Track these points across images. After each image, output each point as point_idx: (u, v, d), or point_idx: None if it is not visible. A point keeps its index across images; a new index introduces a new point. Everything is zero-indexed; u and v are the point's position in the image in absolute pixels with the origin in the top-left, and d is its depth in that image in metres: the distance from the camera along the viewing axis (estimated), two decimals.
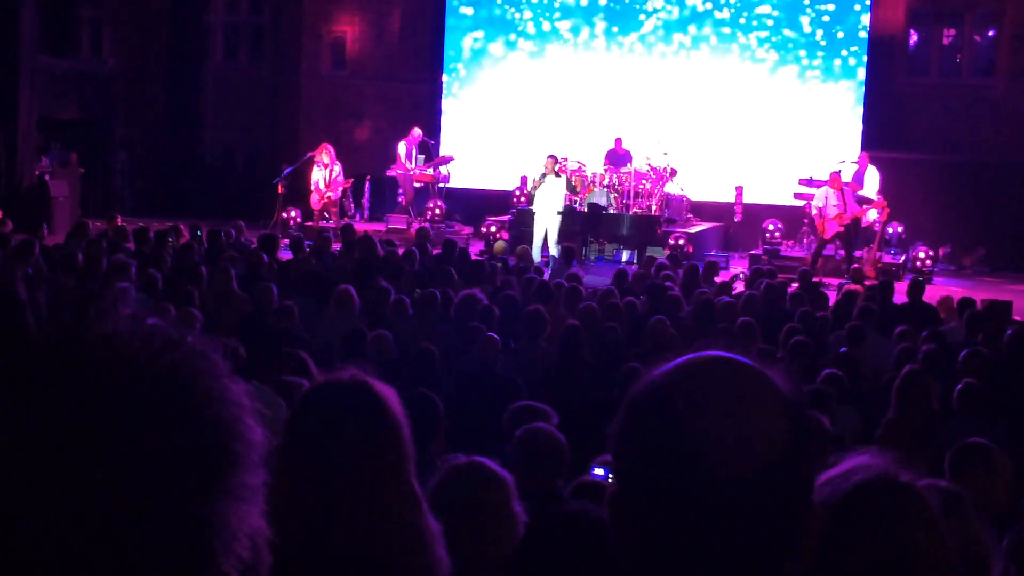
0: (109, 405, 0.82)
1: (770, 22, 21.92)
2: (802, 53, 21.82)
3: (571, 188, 17.63)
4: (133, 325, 0.88)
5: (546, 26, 22.90)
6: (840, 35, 21.66)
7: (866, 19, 21.56)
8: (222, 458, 0.87)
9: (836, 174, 17.54)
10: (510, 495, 3.33)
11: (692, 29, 22.22)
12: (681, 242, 17.96)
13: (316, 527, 2.15)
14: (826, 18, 21.72)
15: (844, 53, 21.65)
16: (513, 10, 23.04)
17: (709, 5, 22.11)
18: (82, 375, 0.83)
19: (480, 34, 23.28)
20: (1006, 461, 4.83)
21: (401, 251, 13.21)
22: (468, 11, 23.34)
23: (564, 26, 22.83)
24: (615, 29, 22.57)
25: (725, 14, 22.06)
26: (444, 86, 23.44)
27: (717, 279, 13.23)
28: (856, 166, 18.88)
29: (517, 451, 4.62)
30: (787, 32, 21.87)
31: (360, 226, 17.87)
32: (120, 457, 0.82)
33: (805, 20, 21.81)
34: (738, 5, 21.98)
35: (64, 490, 0.80)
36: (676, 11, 22.28)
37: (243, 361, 5.93)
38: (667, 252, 16.26)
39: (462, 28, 23.37)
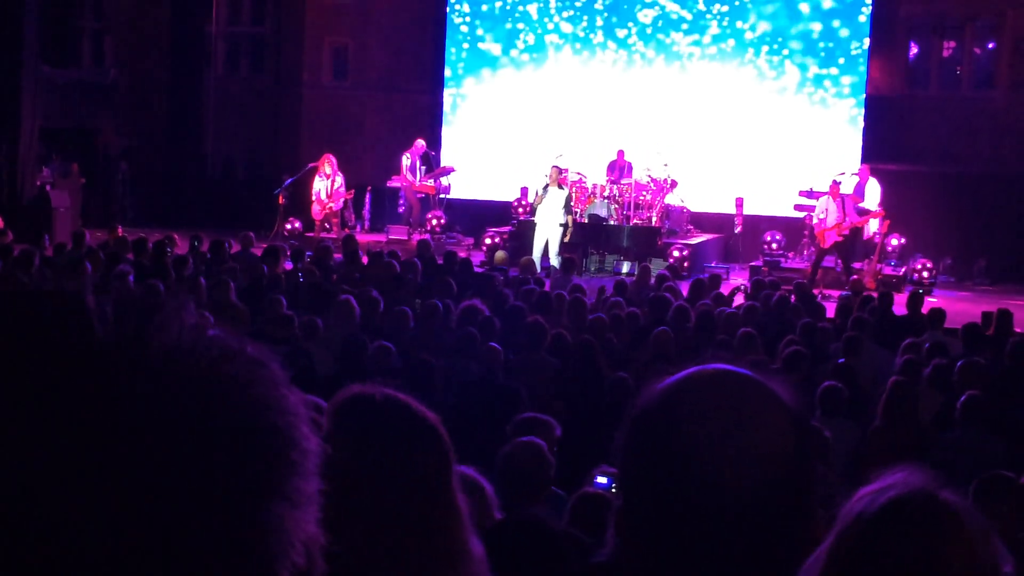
0: (171, 411, 0.84)
1: (770, 34, 21.97)
2: (802, 64, 21.86)
3: (567, 207, 17.45)
4: (195, 334, 0.90)
5: (547, 38, 22.96)
6: (840, 46, 21.70)
7: (866, 31, 21.61)
8: (280, 464, 0.89)
9: (836, 184, 17.58)
10: (489, 503, 3.32)
11: (693, 42, 22.27)
12: (684, 253, 17.98)
13: (356, 544, 2.04)
14: (827, 26, 21.77)
15: (844, 65, 21.69)
16: (516, 22, 23.09)
17: (711, 16, 22.16)
18: (145, 381, 0.85)
19: (482, 46, 23.34)
20: None
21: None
22: (470, 23, 23.40)
23: (565, 38, 22.88)
24: (616, 41, 22.62)
25: (726, 27, 22.11)
26: (445, 97, 23.50)
27: (721, 290, 13.22)
28: (857, 178, 18.92)
29: (500, 466, 4.62)
30: (787, 44, 21.91)
31: (361, 237, 17.88)
32: (181, 461, 0.83)
33: (805, 32, 21.85)
34: (739, 18, 22.04)
35: (125, 492, 0.81)
36: (677, 24, 22.34)
37: None
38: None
39: (464, 40, 23.43)
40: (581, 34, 22.79)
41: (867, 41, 21.61)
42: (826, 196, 17.55)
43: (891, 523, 1.38)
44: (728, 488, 1.23)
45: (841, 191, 17.55)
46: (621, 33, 22.61)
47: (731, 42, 22.11)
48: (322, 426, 1.00)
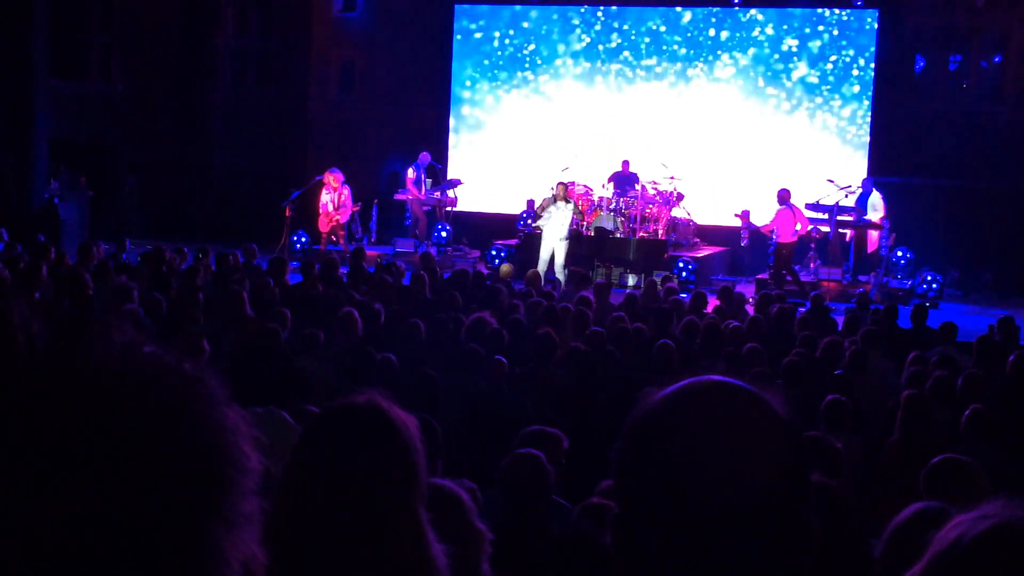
0: (98, 432, 0.82)
1: (776, 47, 22.00)
2: (808, 77, 21.88)
3: (578, 212, 17.63)
4: (126, 351, 0.87)
5: (554, 52, 23.00)
6: (847, 60, 21.72)
7: (872, 44, 21.62)
8: (215, 484, 0.87)
9: (786, 192, 17.74)
10: (468, 512, 3.34)
11: (699, 55, 22.31)
12: (691, 267, 17.98)
13: (318, 553, 2.13)
14: (833, 39, 21.79)
15: (850, 76, 21.70)
16: (522, 36, 23.15)
17: (717, 30, 22.20)
18: (71, 402, 0.82)
19: (488, 59, 23.38)
20: (984, 477, 4.79)
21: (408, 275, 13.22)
22: (476, 36, 23.45)
23: (572, 51, 22.93)
24: (622, 55, 22.66)
25: (732, 40, 22.14)
26: (451, 110, 23.54)
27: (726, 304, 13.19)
28: (860, 190, 18.93)
29: (502, 479, 4.64)
30: (794, 57, 21.93)
31: (368, 250, 17.90)
32: (108, 483, 0.81)
33: (812, 45, 21.87)
34: (745, 31, 22.07)
35: (49, 517, 0.79)
36: (684, 38, 22.37)
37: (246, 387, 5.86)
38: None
39: (471, 53, 23.48)
40: (588, 48, 22.83)
41: (874, 54, 21.62)
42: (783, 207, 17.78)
43: (991, 551, 1.37)
44: (721, 498, 1.24)
45: (787, 199, 17.76)
46: (628, 48, 22.64)
47: (737, 55, 22.13)
48: (264, 443, 0.96)
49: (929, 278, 18.19)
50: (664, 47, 22.46)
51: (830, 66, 21.80)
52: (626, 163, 20.19)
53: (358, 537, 2.13)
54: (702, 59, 22.29)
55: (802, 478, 1.30)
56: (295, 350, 8.59)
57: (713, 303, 13.15)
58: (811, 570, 1.30)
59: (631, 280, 18.08)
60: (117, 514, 0.81)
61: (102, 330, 0.88)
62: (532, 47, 23.10)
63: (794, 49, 21.92)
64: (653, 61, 22.51)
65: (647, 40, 22.52)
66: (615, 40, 22.67)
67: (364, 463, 2.17)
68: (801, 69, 21.92)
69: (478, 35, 23.44)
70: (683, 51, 22.37)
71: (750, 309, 13.21)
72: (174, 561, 0.83)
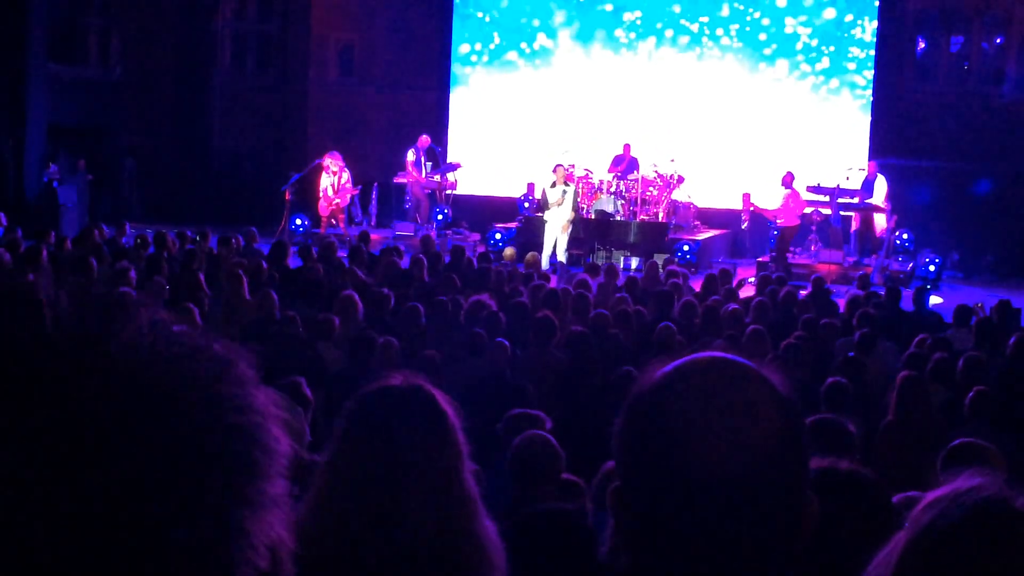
0: (127, 410, 0.82)
1: (777, 28, 21.93)
2: (810, 59, 21.83)
3: (574, 203, 17.52)
4: (156, 330, 0.87)
5: (554, 32, 22.93)
6: (848, 41, 21.66)
7: (873, 26, 21.57)
8: (242, 466, 0.87)
9: (790, 175, 17.76)
10: None
11: (700, 37, 22.24)
12: (692, 249, 17.98)
13: (373, 530, 2.19)
14: (835, 21, 21.73)
15: (852, 60, 21.65)
16: (522, 16, 23.07)
17: (718, 11, 22.13)
18: (100, 379, 0.82)
19: (487, 41, 23.31)
20: (1001, 461, 4.77)
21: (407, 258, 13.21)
22: (476, 18, 23.38)
23: (571, 32, 22.86)
24: (623, 36, 22.59)
25: (733, 21, 22.07)
26: (450, 93, 23.48)
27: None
28: (864, 173, 18.92)
29: (513, 461, 4.65)
30: (795, 38, 21.87)
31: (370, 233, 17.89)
32: (135, 463, 0.81)
33: (813, 27, 21.81)
34: (746, 12, 22.00)
35: (78, 496, 0.79)
36: (685, 19, 22.30)
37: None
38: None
39: (470, 36, 23.42)
40: (587, 29, 22.75)
41: (875, 36, 21.56)
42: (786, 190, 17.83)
43: (969, 533, 1.37)
44: (717, 470, 1.26)
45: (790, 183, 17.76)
46: (628, 28, 22.56)
47: (738, 37, 22.07)
48: (296, 429, 0.95)
49: (928, 260, 18.18)
50: (664, 28, 22.36)
51: (831, 47, 21.70)
52: (627, 146, 20.15)
53: (418, 515, 2.20)
54: (702, 40, 22.20)
55: (800, 453, 1.32)
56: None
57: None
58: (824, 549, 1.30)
59: (634, 263, 18.07)
60: (143, 495, 0.81)
61: (133, 309, 0.88)
62: (532, 27, 23.00)
63: (796, 30, 21.84)
64: (652, 41, 22.42)
65: (646, 20, 22.43)
66: (615, 21, 22.57)
67: (421, 440, 2.25)
68: (803, 50, 21.85)
69: (481, 23, 23.38)
70: (683, 32, 22.28)
71: (749, 290, 13.20)
72: (199, 544, 0.83)
